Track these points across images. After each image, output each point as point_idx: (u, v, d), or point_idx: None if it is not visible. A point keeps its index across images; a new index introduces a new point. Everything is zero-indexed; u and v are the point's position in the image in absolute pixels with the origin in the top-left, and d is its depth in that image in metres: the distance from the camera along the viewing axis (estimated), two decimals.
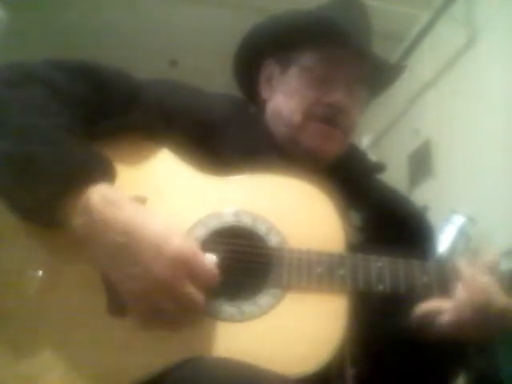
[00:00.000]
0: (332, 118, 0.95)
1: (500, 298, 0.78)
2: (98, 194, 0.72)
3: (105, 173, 0.75)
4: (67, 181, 0.72)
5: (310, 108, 0.95)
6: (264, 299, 0.78)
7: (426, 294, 0.81)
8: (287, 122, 0.97)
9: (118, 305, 0.75)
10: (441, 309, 0.80)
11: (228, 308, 0.77)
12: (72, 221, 0.72)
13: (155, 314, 0.71)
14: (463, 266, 0.82)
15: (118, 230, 0.70)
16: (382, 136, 3.75)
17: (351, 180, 0.97)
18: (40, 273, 0.77)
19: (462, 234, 2.47)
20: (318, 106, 0.95)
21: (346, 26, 0.93)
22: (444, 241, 2.46)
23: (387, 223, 0.94)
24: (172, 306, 0.70)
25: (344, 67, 0.96)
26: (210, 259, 0.74)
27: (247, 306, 0.77)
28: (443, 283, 0.81)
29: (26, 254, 0.78)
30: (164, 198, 0.84)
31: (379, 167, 1.06)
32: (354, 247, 0.84)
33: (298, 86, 0.97)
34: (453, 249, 2.44)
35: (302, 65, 0.97)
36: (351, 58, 0.95)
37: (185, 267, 0.71)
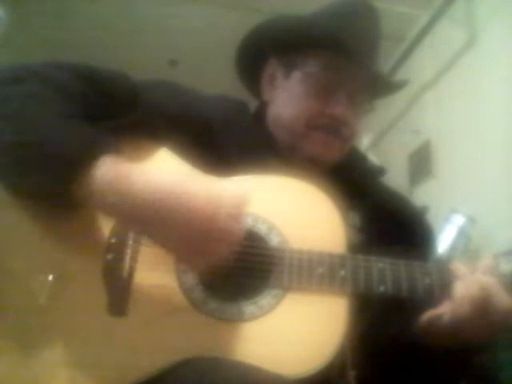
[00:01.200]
0: (333, 129, 0.95)
1: (503, 298, 0.78)
2: (109, 169, 0.71)
3: (108, 145, 0.74)
4: (74, 159, 0.71)
5: (312, 119, 0.95)
6: (265, 300, 0.78)
7: (428, 295, 0.81)
8: (289, 130, 0.97)
9: (117, 305, 0.75)
10: (442, 312, 0.80)
11: (229, 308, 0.77)
12: (90, 198, 0.71)
13: (207, 257, 0.72)
14: (458, 265, 0.83)
15: (139, 200, 0.69)
16: (382, 136, 3.75)
17: (351, 181, 0.97)
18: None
19: (462, 234, 2.47)
20: (320, 116, 0.95)
21: (350, 35, 0.93)
22: (444, 241, 2.46)
23: (387, 224, 0.94)
24: (217, 239, 0.70)
25: (347, 76, 0.95)
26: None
27: (248, 307, 0.77)
28: (445, 284, 0.81)
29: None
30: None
31: (379, 171, 1.06)
32: (354, 248, 0.84)
33: (301, 94, 0.97)
34: (453, 249, 2.44)
35: (305, 71, 0.97)
36: (354, 67, 0.95)
37: (210, 231, 0.70)
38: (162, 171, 0.74)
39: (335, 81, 0.95)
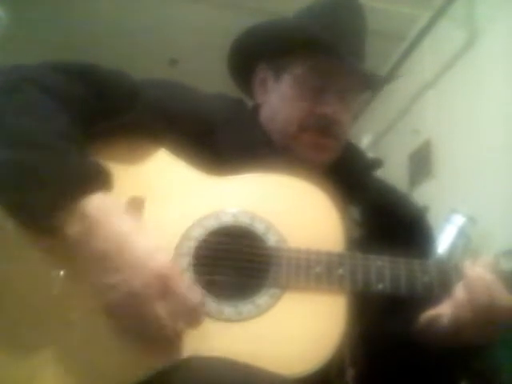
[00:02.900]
0: (325, 129, 0.96)
1: (503, 296, 0.78)
2: (95, 204, 0.71)
3: (101, 182, 0.74)
4: (64, 190, 0.71)
5: (304, 120, 0.96)
6: (262, 299, 0.77)
7: (427, 293, 0.81)
8: (282, 132, 0.98)
9: None
10: (441, 313, 0.80)
11: (226, 308, 0.76)
12: (66, 229, 0.71)
13: (126, 327, 0.70)
14: (468, 267, 0.81)
15: (107, 237, 0.70)
16: (381, 136, 3.74)
17: (350, 176, 0.98)
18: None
19: (462, 234, 2.47)
20: (311, 117, 0.96)
21: (334, 34, 0.94)
22: (444, 241, 2.46)
23: (386, 219, 0.95)
24: (138, 325, 0.69)
25: (335, 76, 0.96)
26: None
27: (245, 306, 0.77)
28: (444, 282, 0.81)
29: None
30: (162, 199, 0.83)
31: (376, 163, 1.07)
32: (354, 243, 0.84)
33: (291, 96, 0.98)
34: (453, 249, 2.44)
35: (294, 73, 0.98)
36: (342, 67, 0.95)
37: (162, 287, 0.68)
38: (142, 229, 0.73)
39: (323, 81, 0.96)
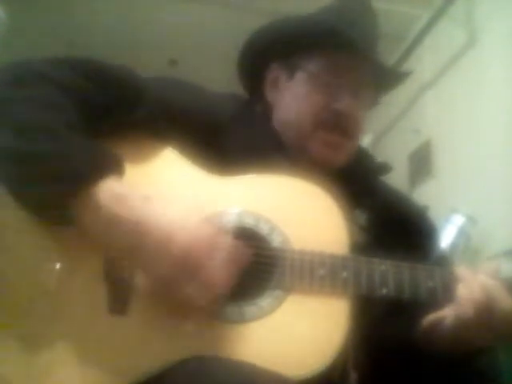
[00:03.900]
0: (341, 126, 0.96)
1: (505, 300, 0.78)
2: (107, 191, 0.72)
3: (113, 168, 0.75)
4: (75, 178, 0.72)
5: (319, 115, 0.96)
6: (266, 301, 0.78)
7: (431, 298, 0.81)
8: (297, 130, 0.98)
9: (118, 303, 0.75)
10: (444, 315, 0.80)
11: (229, 309, 0.77)
12: (81, 218, 0.72)
13: (179, 300, 0.72)
14: (461, 269, 0.83)
15: (127, 228, 0.71)
16: (382, 136, 3.74)
17: (358, 180, 0.97)
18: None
19: (462, 234, 2.47)
20: (326, 112, 0.95)
21: (350, 31, 0.93)
22: (444, 241, 2.45)
23: (392, 223, 0.95)
24: (193, 287, 0.71)
25: (350, 72, 0.96)
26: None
27: (248, 308, 0.77)
28: (448, 288, 0.81)
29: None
30: (167, 197, 0.83)
31: (385, 168, 1.06)
32: (359, 246, 0.84)
33: (305, 92, 0.97)
34: (453, 248, 2.44)
35: (308, 71, 0.97)
36: (357, 63, 0.95)
37: (187, 269, 0.70)
38: (162, 204, 0.74)
39: (338, 77, 0.96)
